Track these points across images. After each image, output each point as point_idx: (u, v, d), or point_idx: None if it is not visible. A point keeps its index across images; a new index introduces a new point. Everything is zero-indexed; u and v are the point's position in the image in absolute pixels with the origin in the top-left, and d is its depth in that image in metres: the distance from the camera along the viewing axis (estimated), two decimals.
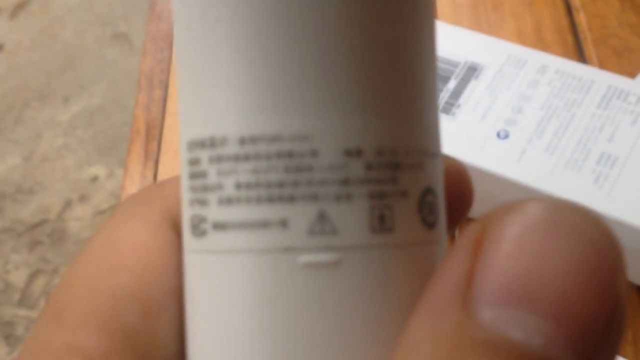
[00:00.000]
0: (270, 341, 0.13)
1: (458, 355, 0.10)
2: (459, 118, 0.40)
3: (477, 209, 0.43)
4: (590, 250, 0.10)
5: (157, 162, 0.49)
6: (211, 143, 0.14)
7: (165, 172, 0.48)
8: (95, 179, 1.36)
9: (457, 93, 0.40)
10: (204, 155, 0.14)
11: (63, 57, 1.55)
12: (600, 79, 0.40)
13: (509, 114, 0.39)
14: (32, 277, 1.26)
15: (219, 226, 0.14)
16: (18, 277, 1.26)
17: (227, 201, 0.14)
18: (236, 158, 0.13)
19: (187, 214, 0.15)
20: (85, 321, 0.15)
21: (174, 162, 0.48)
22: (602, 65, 0.47)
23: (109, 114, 1.44)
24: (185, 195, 0.15)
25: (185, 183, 0.15)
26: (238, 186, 0.13)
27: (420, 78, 0.14)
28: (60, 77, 1.52)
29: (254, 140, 0.13)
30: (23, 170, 1.39)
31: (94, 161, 1.38)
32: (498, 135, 0.39)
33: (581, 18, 0.50)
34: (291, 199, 0.13)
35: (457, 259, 0.11)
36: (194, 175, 0.14)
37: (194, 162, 0.14)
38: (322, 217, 0.13)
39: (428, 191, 0.14)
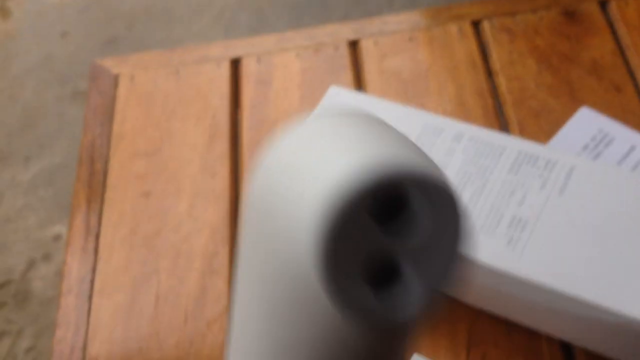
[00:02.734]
0: None
1: None
2: None
3: None
4: None
5: (97, 236, 0.50)
6: None
7: (106, 246, 0.49)
8: (57, 237, 1.36)
9: None
10: None
11: (23, 116, 1.56)
12: (511, 145, 0.42)
13: None
14: None
15: None
16: None
17: None
18: None
19: None
20: None
21: (114, 235, 0.49)
22: (521, 126, 0.49)
23: (70, 172, 1.44)
24: None
25: None
26: None
27: None
28: (20, 136, 1.52)
29: None
30: None
31: (56, 220, 1.38)
32: None
33: (501, 81, 0.52)
34: None
35: None
36: None
37: None
38: None
39: None
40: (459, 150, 0.42)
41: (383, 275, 0.17)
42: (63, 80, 1.60)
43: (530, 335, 0.41)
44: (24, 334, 1.25)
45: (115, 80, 0.58)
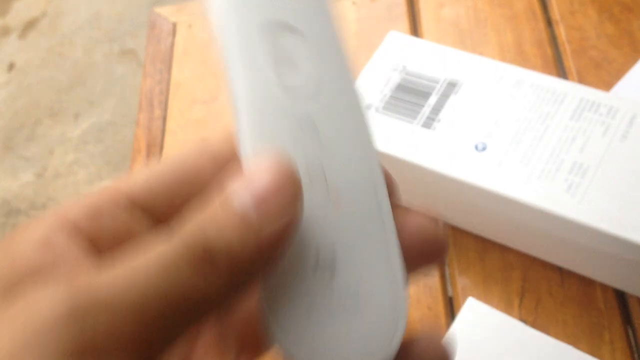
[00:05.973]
0: None
1: None
2: (439, 132, 0.42)
3: (458, 218, 0.45)
4: None
5: None
6: None
7: None
8: None
9: (437, 108, 0.42)
10: None
11: (72, 74, 1.58)
12: (573, 92, 0.41)
13: (487, 127, 0.41)
14: None
15: None
16: None
17: None
18: None
19: None
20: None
21: None
22: (581, 76, 0.49)
23: (118, 129, 1.47)
24: None
25: None
26: None
27: None
28: (70, 94, 1.55)
29: None
30: (36, 186, 1.42)
31: (105, 175, 1.41)
32: (476, 147, 0.41)
33: (560, 30, 0.52)
34: None
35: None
36: None
37: None
38: None
39: None
40: (519, 96, 0.42)
41: None
42: (111, 38, 1.62)
43: (585, 283, 0.42)
44: None
45: (173, 28, 0.59)
